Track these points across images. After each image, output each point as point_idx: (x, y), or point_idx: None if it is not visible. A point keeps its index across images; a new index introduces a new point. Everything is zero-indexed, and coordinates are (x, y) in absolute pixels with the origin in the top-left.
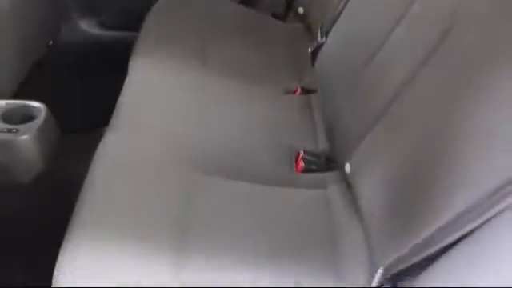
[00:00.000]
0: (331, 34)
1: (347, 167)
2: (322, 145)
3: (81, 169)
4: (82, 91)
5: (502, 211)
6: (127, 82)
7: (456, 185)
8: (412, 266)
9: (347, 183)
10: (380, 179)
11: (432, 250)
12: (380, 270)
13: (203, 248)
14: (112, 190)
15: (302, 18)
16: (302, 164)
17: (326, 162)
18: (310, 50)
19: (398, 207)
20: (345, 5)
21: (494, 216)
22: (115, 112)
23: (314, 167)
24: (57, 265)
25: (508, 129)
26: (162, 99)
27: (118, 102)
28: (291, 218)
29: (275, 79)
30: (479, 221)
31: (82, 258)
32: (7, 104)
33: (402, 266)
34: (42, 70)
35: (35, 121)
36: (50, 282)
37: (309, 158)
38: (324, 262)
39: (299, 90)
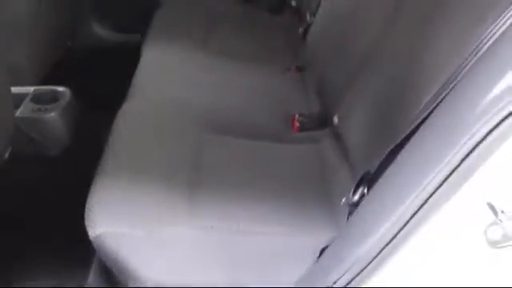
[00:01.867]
0: (318, 14)
1: (335, 119)
2: (315, 109)
3: (102, 142)
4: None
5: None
6: (141, 62)
7: (420, 94)
8: (381, 165)
9: (337, 136)
10: (362, 117)
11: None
12: (361, 173)
13: (212, 190)
14: (133, 144)
15: (295, 11)
16: (297, 124)
17: (318, 122)
18: (300, 30)
19: (375, 129)
20: None
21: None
22: (132, 85)
23: (307, 126)
24: (87, 203)
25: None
26: (173, 74)
27: (134, 77)
28: (288, 167)
29: (272, 59)
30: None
31: (110, 195)
32: (35, 89)
33: (376, 164)
34: (66, 64)
35: (60, 101)
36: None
37: (303, 119)
38: (316, 193)
39: (294, 69)
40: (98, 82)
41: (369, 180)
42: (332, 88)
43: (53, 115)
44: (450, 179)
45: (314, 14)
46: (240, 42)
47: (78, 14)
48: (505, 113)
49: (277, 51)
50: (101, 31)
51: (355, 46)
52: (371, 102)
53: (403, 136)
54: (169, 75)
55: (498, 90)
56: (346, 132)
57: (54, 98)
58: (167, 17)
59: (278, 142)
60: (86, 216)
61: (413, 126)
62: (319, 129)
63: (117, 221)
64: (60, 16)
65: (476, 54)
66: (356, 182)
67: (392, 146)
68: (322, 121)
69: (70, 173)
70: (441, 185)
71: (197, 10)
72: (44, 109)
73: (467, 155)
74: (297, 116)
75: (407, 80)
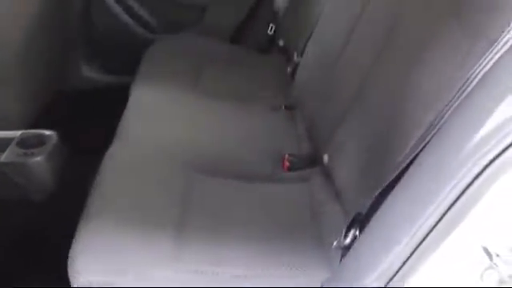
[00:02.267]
0: (305, 53)
1: (325, 158)
2: (304, 148)
3: (88, 187)
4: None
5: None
6: (129, 102)
7: (407, 135)
8: (372, 206)
9: (327, 175)
10: (351, 156)
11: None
12: (352, 215)
13: (200, 234)
14: (119, 186)
15: (283, 50)
16: (287, 164)
17: (308, 161)
18: (288, 69)
19: (365, 169)
20: (313, 29)
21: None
22: (119, 126)
23: (297, 166)
24: (70, 251)
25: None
26: (161, 114)
27: (122, 118)
28: (279, 207)
29: (262, 98)
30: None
31: (95, 242)
32: (22, 133)
33: (367, 205)
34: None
35: (47, 145)
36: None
37: (293, 158)
38: (308, 234)
39: (284, 108)
40: (88, 125)
41: (360, 221)
42: (321, 127)
43: (38, 159)
44: (440, 224)
45: (301, 54)
46: (229, 81)
47: (67, 57)
48: (496, 152)
49: (266, 90)
50: (90, 73)
51: (343, 86)
52: (360, 141)
53: (391, 178)
54: (157, 115)
55: (484, 131)
56: (336, 171)
57: (41, 141)
58: (156, 57)
59: (268, 182)
60: (69, 265)
61: (400, 169)
62: (309, 167)
63: (101, 269)
64: (49, 59)
65: (462, 94)
66: (347, 224)
67: (380, 189)
68: (312, 160)
69: (55, 218)
70: (432, 230)
71: (186, 50)
72: (30, 153)
73: (455, 200)
74: (287, 156)
75: (394, 120)
